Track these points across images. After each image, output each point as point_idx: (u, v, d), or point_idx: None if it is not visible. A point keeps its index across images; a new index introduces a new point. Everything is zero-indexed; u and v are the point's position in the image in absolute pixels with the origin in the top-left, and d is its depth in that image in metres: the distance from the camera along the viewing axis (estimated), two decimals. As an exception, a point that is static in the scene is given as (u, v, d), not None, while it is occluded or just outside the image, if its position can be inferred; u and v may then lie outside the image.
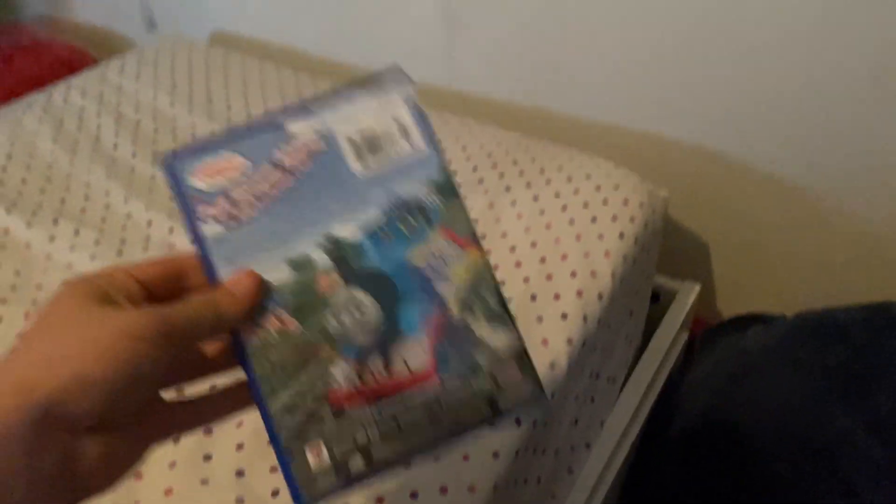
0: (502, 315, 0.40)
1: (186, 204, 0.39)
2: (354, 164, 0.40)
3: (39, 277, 0.86)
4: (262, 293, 0.38)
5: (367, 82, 0.41)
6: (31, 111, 1.17)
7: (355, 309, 0.39)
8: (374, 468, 0.38)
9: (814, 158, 1.01)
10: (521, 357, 0.39)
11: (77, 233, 0.92)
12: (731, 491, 0.90)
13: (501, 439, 0.66)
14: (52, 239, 0.91)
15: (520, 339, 0.40)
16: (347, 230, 0.39)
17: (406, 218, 0.40)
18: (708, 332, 1.11)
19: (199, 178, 0.39)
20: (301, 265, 0.39)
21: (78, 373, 0.30)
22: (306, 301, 0.38)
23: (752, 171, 1.07)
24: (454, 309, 0.39)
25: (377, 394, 0.38)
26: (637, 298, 0.94)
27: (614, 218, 0.88)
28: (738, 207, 1.12)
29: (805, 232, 1.08)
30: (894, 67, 0.88)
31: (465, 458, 0.64)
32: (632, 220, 0.89)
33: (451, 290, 0.40)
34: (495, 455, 0.65)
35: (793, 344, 0.98)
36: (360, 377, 0.38)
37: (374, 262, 0.40)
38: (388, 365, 0.39)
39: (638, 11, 1.01)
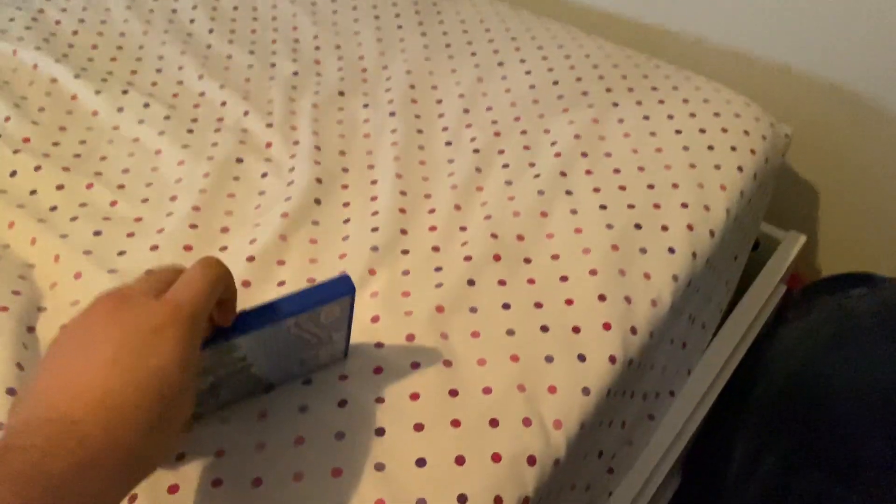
0: None
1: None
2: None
3: (105, 149, 0.81)
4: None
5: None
6: (106, -23, 1.10)
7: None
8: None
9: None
10: None
11: (147, 106, 0.86)
12: (811, 468, 0.83)
13: (594, 376, 0.59)
14: (119, 110, 0.85)
15: None
16: None
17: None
18: (807, 289, 1.02)
19: None
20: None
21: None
22: None
23: (887, 119, 0.95)
24: None
25: None
26: (744, 242, 0.85)
27: (733, 148, 0.78)
28: (860, 158, 1.01)
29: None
30: None
31: (552, 390, 0.57)
32: (752, 152, 0.79)
33: None
34: (585, 391, 0.58)
35: (904, 313, 0.89)
36: None
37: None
38: None
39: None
